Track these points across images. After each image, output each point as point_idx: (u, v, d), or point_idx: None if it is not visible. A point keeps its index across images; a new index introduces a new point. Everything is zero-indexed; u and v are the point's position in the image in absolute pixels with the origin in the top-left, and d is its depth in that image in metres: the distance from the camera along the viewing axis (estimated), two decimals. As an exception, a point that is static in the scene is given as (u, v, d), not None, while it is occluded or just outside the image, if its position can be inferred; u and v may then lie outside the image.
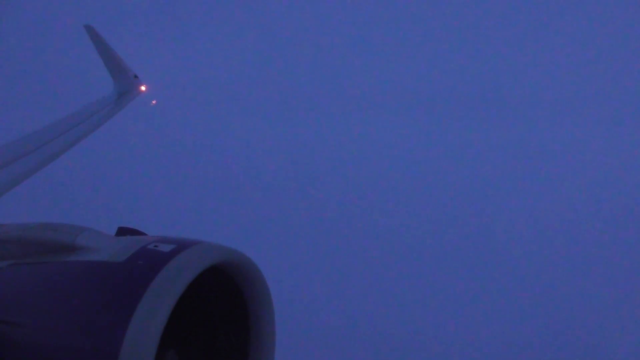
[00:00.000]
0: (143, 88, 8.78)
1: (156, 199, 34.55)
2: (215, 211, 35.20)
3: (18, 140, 5.65)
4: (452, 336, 32.77)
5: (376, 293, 33.88)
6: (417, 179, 36.92)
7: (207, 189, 35.96)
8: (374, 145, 37.53)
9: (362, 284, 34.07)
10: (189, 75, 36.67)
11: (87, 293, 1.72)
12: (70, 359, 1.59)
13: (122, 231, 2.29)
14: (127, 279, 1.71)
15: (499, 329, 32.66)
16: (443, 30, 37.08)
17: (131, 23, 35.60)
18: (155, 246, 1.87)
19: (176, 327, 1.85)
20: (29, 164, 5.06)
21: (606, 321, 32.47)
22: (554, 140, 36.69)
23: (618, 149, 35.77)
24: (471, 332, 32.75)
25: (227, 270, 2.01)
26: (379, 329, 32.75)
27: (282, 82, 37.92)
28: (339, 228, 36.01)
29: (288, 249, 34.60)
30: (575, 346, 31.97)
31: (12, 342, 1.66)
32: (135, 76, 8.75)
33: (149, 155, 35.53)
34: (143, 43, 35.15)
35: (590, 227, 35.33)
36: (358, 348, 32.24)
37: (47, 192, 29.61)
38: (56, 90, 32.10)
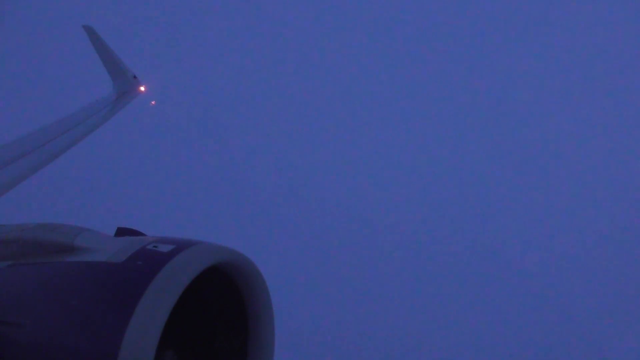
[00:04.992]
0: (142, 88, 8.78)
1: (156, 199, 34.53)
2: (214, 212, 35.19)
3: (18, 140, 5.64)
4: (452, 338, 32.77)
5: (375, 294, 33.87)
6: (416, 183, 36.93)
7: (207, 189, 35.95)
8: (372, 149, 37.55)
9: (362, 285, 34.06)
10: (188, 75, 36.65)
11: (86, 293, 1.72)
12: (69, 358, 1.59)
13: (121, 231, 2.29)
14: (126, 280, 1.71)
15: (498, 331, 32.66)
16: (437, 33, 37.12)
17: (130, 23, 35.57)
18: (155, 246, 1.87)
19: (175, 327, 1.85)
20: (28, 164, 5.06)
21: (606, 322, 32.48)
22: (551, 141, 36.72)
23: (617, 149, 35.77)
24: (472, 335, 32.76)
25: (226, 270, 2.00)
26: (378, 330, 32.74)
27: (284, 84, 37.92)
28: (339, 230, 36.01)
29: (287, 249, 34.59)
30: (574, 347, 31.98)
31: (11, 342, 1.66)
32: (134, 77, 8.75)
33: (149, 155, 35.51)
34: (142, 44, 35.12)
35: (590, 229, 35.34)
36: (357, 348, 32.23)
37: (47, 192, 29.58)
38: (56, 90, 32.08)
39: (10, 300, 1.80)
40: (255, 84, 37.72)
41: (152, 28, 36.52)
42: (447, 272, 34.97)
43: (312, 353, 31.39)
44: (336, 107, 38.07)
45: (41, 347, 1.63)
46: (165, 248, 1.85)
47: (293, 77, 38.04)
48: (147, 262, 1.77)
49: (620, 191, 35.40)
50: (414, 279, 34.55)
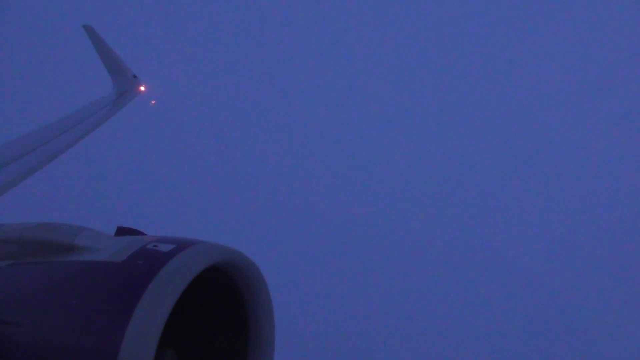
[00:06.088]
0: (142, 88, 8.78)
1: (156, 199, 34.52)
2: (215, 211, 35.19)
3: (18, 140, 5.64)
4: (452, 339, 32.78)
5: (375, 295, 33.87)
6: (416, 184, 36.93)
7: (207, 189, 35.95)
8: (372, 149, 37.55)
9: (362, 285, 34.06)
10: (189, 74, 36.65)
11: (86, 293, 1.71)
12: (69, 358, 1.59)
13: (121, 231, 2.29)
14: (126, 279, 1.70)
15: (497, 331, 32.66)
16: (437, 34, 37.11)
17: (131, 22, 35.58)
18: (155, 246, 1.87)
19: (175, 326, 1.84)
20: (28, 163, 5.05)
21: (605, 323, 32.48)
22: (552, 144, 36.72)
23: (617, 151, 35.76)
24: (471, 335, 32.77)
25: (226, 270, 2.00)
26: (378, 329, 32.75)
27: (285, 84, 37.92)
28: (339, 230, 36.00)
29: (288, 249, 34.59)
30: (574, 347, 31.99)
31: (11, 341, 1.66)
32: (135, 76, 8.75)
33: (149, 155, 35.50)
34: (143, 43, 35.12)
35: (589, 229, 35.34)
36: (357, 348, 32.24)
37: (47, 192, 29.58)
38: (56, 90, 32.08)
39: (10, 299, 1.80)
40: (256, 84, 37.73)
41: (153, 27, 36.51)
42: (447, 272, 34.97)
43: (312, 353, 31.40)
44: (337, 108, 38.07)
45: (41, 347, 1.63)
46: (165, 248, 1.85)
47: (294, 77, 38.04)
48: (147, 261, 1.77)
49: (620, 192, 35.39)
50: (413, 279, 34.55)
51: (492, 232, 35.85)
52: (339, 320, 32.73)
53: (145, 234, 2.22)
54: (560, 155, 36.55)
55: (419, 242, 35.92)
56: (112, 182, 34.23)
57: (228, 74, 37.45)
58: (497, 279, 34.43)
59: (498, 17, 36.65)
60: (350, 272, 34.30)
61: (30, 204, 26.16)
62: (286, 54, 38.09)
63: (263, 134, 37.62)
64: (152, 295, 1.61)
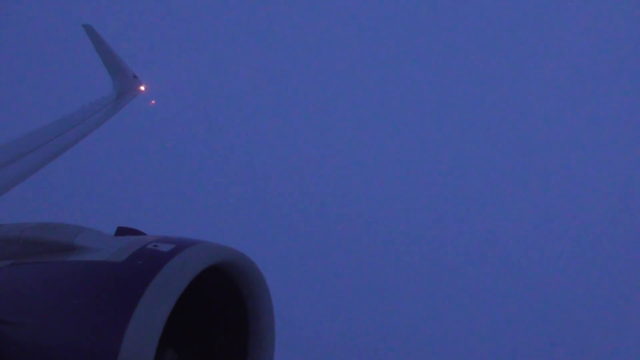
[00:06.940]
0: (142, 88, 8.77)
1: (156, 199, 34.51)
2: (215, 211, 35.17)
3: (18, 140, 5.64)
4: (453, 339, 32.78)
5: (376, 295, 33.86)
6: (417, 184, 36.92)
7: (207, 188, 35.93)
8: (373, 148, 37.53)
9: (362, 285, 34.06)
10: (189, 75, 36.64)
11: (86, 293, 1.72)
12: (70, 358, 1.59)
13: (122, 231, 2.29)
14: (126, 279, 1.71)
15: (497, 331, 32.67)
16: (438, 32, 37.09)
17: (130, 22, 35.57)
18: (155, 246, 1.87)
19: (176, 326, 1.84)
20: (29, 163, 5.06)
21: (605, 323, 32.47)
22: (552, 141, 36.70)
23: (618, 151, 35.73)
24: (471, 335, 32.78)
25: (226, 270, 2.01)
26: (379, 330, 32.74)
27: (284, 83, 37.90)
28: (340, 229, 35.98)
29: (288, 249, 34.57)
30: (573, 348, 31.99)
31: (12, 341, 1.66)
32: (135, 76, 8.75)
33: (149, 154, 35.49)
34: (142, 43, 35.11)
35: (590, 228, 35.32)
36: (357, 348, 32.24)
37: (47, 192, 29.57)
38: (56, 90, 32.06)
39: (10, 299, 1.80)
40: (257, 83, 37.71)
41: (152, 27, 36.51)
42: (447, 272, 34.96)
43: (312, 353, 31.39)
44: (337, 106, 38.06)
45: (42, 347, 1.63)
46: (165, 247, 1.85)
47: (294, 75, 38.03)
48: (148, 261, 1.77)
49: (620, 192, 35.38)
50: (414, 279, 34.54)
51: (493, 233, 35.84)
52: (339, 320, 32.73)
53: (145, 234, 2.23)
54: (561, 155, 36.53)
55: (420, 242, 35.90)
56: (112, 182, 34.20)
57: (228, 73, 37.44)
58: (498, 280, 34.42)
59: (497, 16, 36.65)
60: (351, 272, 34.28)
61: (30, 204, 26.19)
62: (286, 53, 38.09)
63: (263, 133, 37.61)
64: (152, 295, 1.62)
